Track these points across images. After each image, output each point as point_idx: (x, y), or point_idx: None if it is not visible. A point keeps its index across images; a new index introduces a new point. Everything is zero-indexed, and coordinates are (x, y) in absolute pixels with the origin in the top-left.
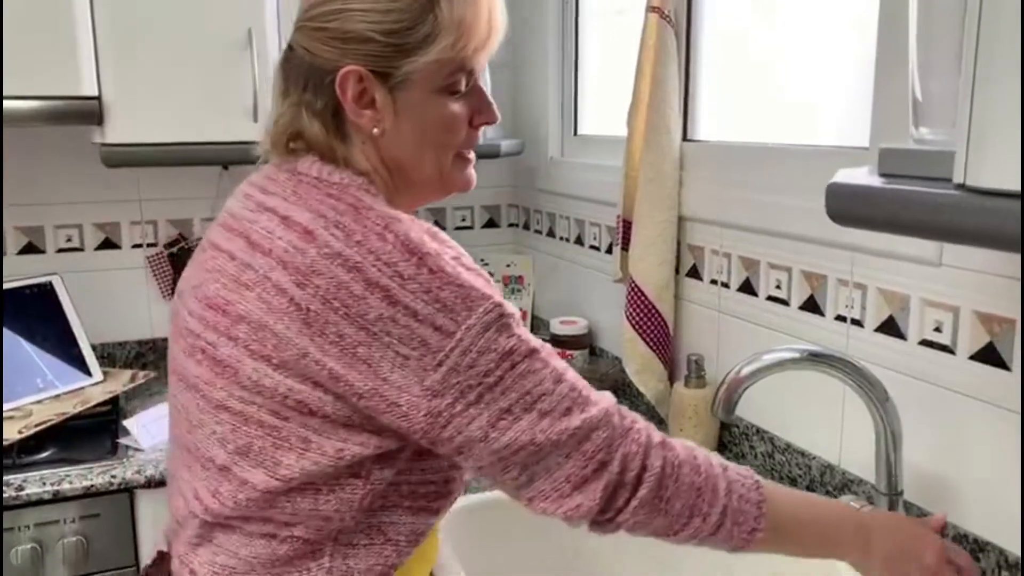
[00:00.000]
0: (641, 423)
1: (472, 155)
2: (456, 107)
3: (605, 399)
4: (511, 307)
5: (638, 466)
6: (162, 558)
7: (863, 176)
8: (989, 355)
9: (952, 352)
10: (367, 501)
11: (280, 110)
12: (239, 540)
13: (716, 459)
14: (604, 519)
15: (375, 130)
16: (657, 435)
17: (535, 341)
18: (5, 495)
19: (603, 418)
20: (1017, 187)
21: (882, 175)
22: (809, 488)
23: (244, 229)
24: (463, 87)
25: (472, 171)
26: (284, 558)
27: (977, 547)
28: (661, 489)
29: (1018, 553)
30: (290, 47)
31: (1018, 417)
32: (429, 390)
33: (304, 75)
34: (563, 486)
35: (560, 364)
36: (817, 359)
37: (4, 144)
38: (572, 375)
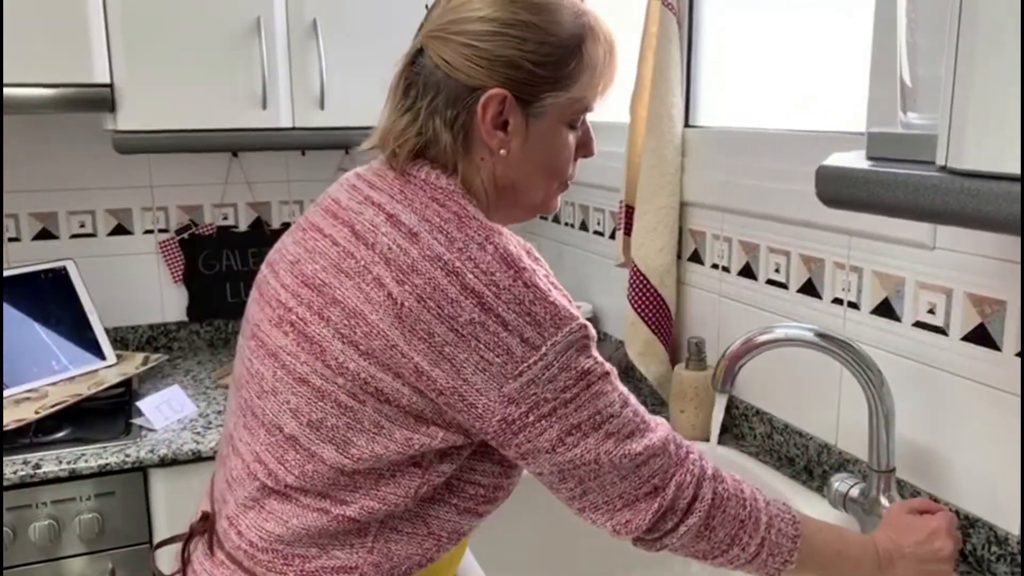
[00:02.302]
0: (696, 453)
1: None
2: (572, 139)
3: (663, 426)
4: (592, 330)
5: (690, 495)
6: (206, 518)
7: (852, 160)
8: (980, 336)
9: (945, 333)
10: (422, 491)
11: (397, 115)
12: (292, 510)
13: (760, 494)
14: (651, 539)
15: (502, 151)
16: (710, 466)
17: (607, 364)
18: (23, 473)
19: (662, 446)
20: (997, 169)
21: (870, 158)
22: (806, 467)
23: (349, 219)
24: (579, 122)
25: (559, 198)
26: (330, 532)
27: (968, 523)
28: (709, 519)
29: (1007, 528)
30: (419, 52)
31: (1008, 396)
32: (506, 397)
33: (437, 85)
34: (615, 501)
35: (625, 389)
36: (819, 338)
37: (18, 131)
38: (635, 401)
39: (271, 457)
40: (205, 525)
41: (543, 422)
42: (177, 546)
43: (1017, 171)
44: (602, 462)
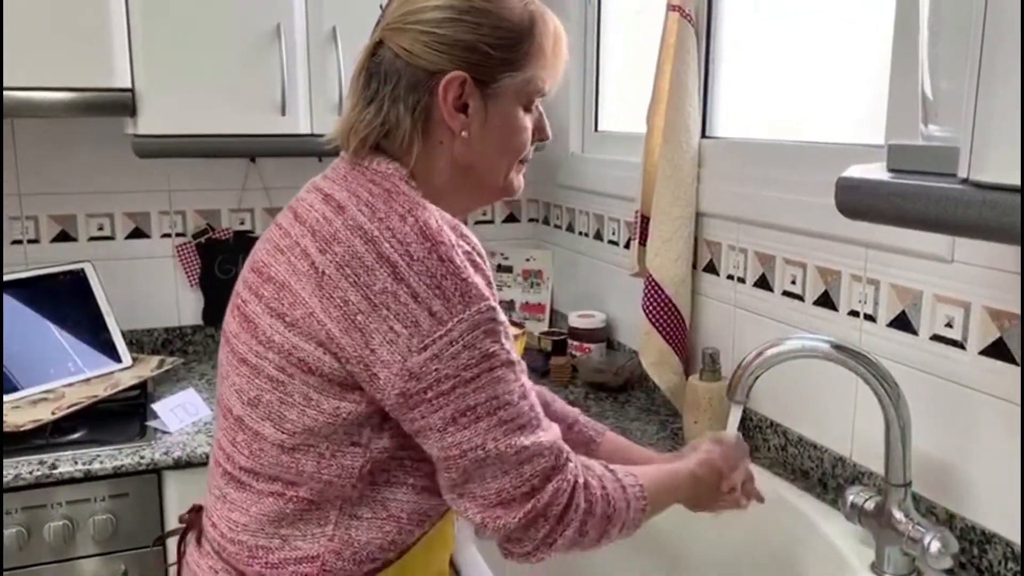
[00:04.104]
0: (574, 462)
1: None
2: (528, 121)
3: (554, 430)
4: (502, 315)
5: (564, 502)
6: (198, 510)
7: (873, 171)
8: (998, 350)
9: (962, 347)
10: (367, 470)
11: (362, 105)
12: (250, 498)
13: (616, 478)
14: (524, 551)
15: (464, 133)
16: (582, 476)
17: (514, 355)
18: (39, 473)
19: (549, 447)
20: (1019, 181)
21: (891, 170)
22: (821, 480)
23: (295, 205)
24: (534, 105)
25: (521, 178)
26: (291, 517)
27: (984, 539)
28: (583, 525)
29: None
30: (378, 44)
31: None
32: (407, 371)
33: (398, 73)
34: (491, 497)
35: (528, 383)
36: (836, 350)
37: (39, 134)
38: (534, 398)
39: (227, 441)
40: (195, 517)
41: (440, 399)
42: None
43: None
44: (488, 449)
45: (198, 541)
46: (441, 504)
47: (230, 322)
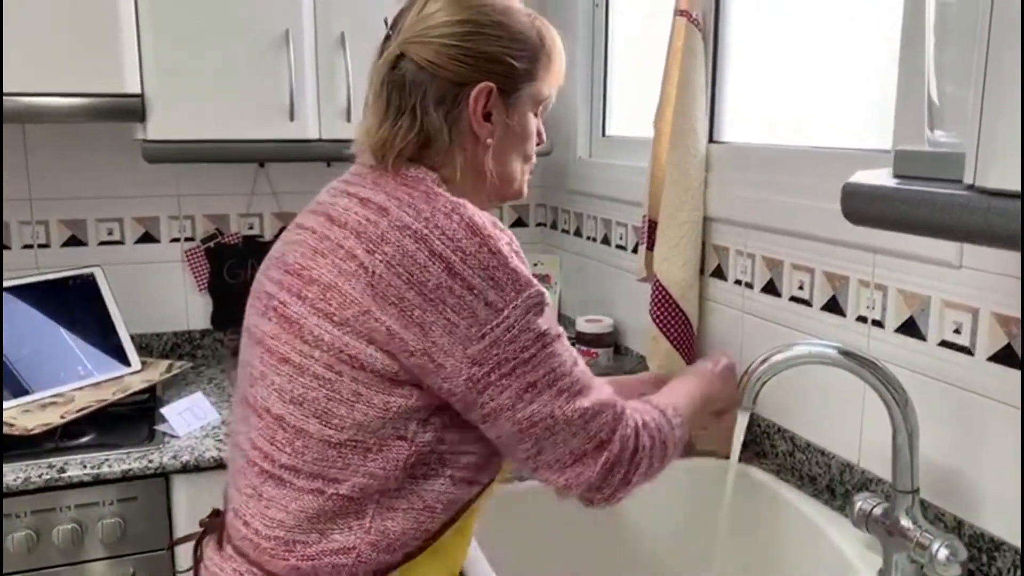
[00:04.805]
0: (629, 407)
1: None
2: (534, 126)
3: (607, 386)
4: (548, 295)
5: (632, 446)
6: (217, 514)
7: (879, 177)
8: (1007, 356)
9: (971, 353)
10: (411, 461)
11: (393, 117)
12: (289, 495)
13: (660, 408)
14: (602, 496)
15: (489, 140)
16: (640, 418)
17: (559, 328)
18: (48, 476)
19: (608, 402)
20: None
21: (897, 176)
22: (828, 486)
23: (325, 209)
24: (539, 110)
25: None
26: (329, 513)
27: (993, 546)
28: (652, 459)
29: None
30: (399, 57)
31: None
32: (470, 358)
33: (423, 85)
34: (566, 458)
35: (575, 351)
36: (843, 356)
37: (49, 140)
38: (583, 362)
39: (264, 440)
40: (215, 522)
41: (504, 380)
42: (192, 543)
43: None
44: (556, 416)
45: (219, 544)
46: (471, 494)
47: (264, 324)
